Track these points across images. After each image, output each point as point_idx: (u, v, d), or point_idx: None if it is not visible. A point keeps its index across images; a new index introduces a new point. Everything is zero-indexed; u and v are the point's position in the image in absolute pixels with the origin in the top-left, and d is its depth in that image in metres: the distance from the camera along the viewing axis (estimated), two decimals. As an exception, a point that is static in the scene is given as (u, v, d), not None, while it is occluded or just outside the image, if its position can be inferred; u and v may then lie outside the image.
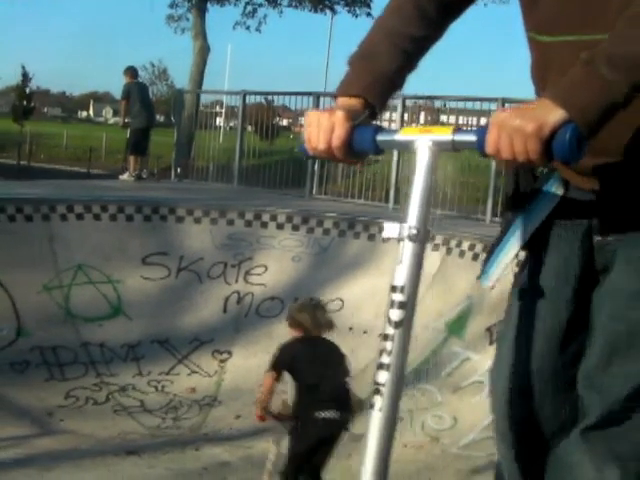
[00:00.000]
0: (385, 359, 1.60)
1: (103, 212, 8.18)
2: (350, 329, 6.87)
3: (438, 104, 12.83)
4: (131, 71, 13.05)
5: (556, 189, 1.88)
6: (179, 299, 7.56)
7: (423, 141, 1.63)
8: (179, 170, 13.59)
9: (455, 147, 1.62)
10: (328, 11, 26.86)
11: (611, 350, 1.77)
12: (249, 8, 25.32)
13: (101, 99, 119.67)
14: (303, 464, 4.05)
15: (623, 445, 1.77)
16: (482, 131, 1.56)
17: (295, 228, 8.34)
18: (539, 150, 1.49)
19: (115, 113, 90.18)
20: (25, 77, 46.82)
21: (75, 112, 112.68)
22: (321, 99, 11.68)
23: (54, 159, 35.21)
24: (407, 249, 1.59)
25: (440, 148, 1.63)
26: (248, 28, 25.85)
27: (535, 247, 1.92)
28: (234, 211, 8.54)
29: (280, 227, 8.38)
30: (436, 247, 7.52)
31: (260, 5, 25.44)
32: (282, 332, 7.17)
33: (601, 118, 1.50)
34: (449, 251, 7.45)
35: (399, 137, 1.70)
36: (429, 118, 13.30)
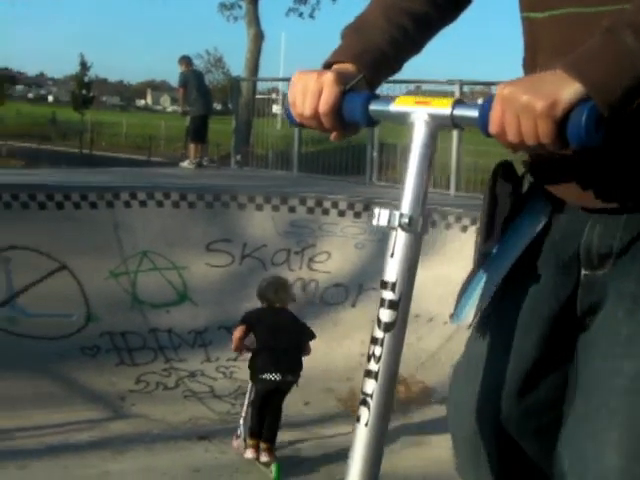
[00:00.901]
0: (373, 366, 1.39)
1: (166, 199, 8.27)
2: (416, 316, 6.84)
3: (497, 90, 12.70)
4: (186, 60, 13.16)
5: (539, 214, 1.60)
6: (244, 286, 7.58)
7: (419, 114, 1.41)
8: (238, 157, 13.67)
9: (455, 123, 1.39)
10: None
11: (608, 412, 1.41)
12: (303, -6, 25.29)
13: (158, 87, 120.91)
14: (263, 408, 4.98)
15: None
16: (486, 106, 1.32)
17: (357, 215, 8.31)
18: (551, 132, 1.25)
19: (173, 101, 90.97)
20: (83, 66, 47.59)
21: (133, 100, 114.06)
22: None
23: (115, 147, 35.68)
24: (399, 240, 1.38)
25: (438, 123, 1.41)
26: (301, 15, 25.82)
27: (509, 278, 1.61)
28: (295, 198, 8.55)
29: (342, 214, 8.37)
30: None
31: (313, -9, 25.38)
32: (347, 319, 7.25)
33: (624, 96, 1.25)
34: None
35: (393, 107, 1.45)
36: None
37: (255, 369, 5.08)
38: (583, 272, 1.56)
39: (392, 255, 1.38)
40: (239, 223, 8.28)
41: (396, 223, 1.37)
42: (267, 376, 4.97)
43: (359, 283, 7.53)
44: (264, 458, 4.90)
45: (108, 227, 7.73)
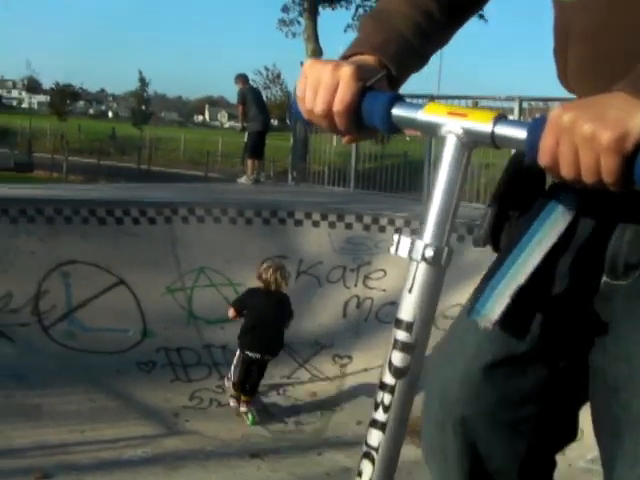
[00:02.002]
0: (380, 416, 1.20)
1: (223, 215, 8.29)
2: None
3: (558, 107, 12.53)
4: (242, 77, 13.26)
5: (565, 211, 1.36)
6: (299, 303, 7.54)
7: (451, 127, 1.17)
8: (295, 173, 13.70)
9: (496, 143, 1.14)
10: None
11: None
12: (360, 11, 25.38)
13: (216, 103, 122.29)
14: (247, 370, 6.12)
15: None
16: (536, 129, 1.09)
17: (414, 233, 8.21)
18: (617, 170, 1.02)
19: (230, 117, 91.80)
20: (143, 82, 48.37)
21: (191, 116, 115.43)
22: (436, 102, 11.56)
23: (172, 163, 36.06)
24: (420, 274, 1.17)
25: (474, 140, 1.17)
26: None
27: None
28: (352, 215, 8.52)
29: (398, 232, 8.28)
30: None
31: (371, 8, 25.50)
32: (403, 337, 7.15)
33: None
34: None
35: (421, 115, 1.21)
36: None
37: (241, 342, 6.17)
38: (604, 279, 1.37)
39: (410, 290, 1.18)
40: (295, 239, 8.27)
41: (419, 255, 1.17)
42: (249, 353, 6.08)
43: (415, 302, 7.46)
44: (243, 408, 6.11)
45: (166, 243, 7.78)
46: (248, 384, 6.14)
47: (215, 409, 6.35)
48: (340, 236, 8.29)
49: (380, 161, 13.55)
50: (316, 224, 8.40)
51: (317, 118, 1.29)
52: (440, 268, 1.18)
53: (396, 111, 1.23)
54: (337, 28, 30.19)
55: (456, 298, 7.27)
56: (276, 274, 6.28)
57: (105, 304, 7.04)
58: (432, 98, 11.49)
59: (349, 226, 8.40)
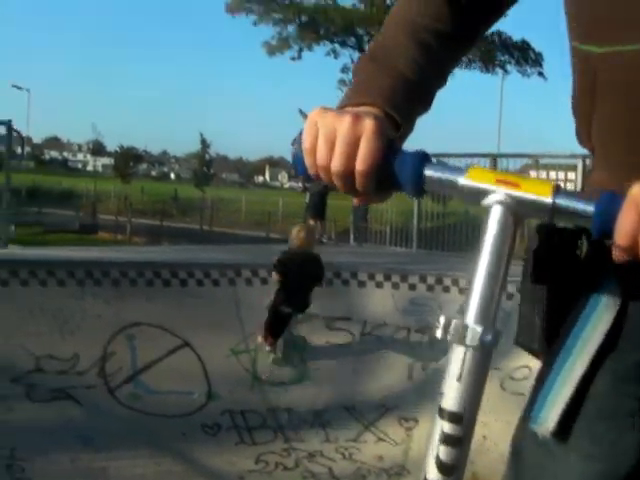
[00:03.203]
0: None
1: (286, 276, 8.29)
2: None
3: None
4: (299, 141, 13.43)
5: (615, 289, 1.18)
6: (363, 364, 7.51)
7: (500, 197, 1.04)
8: (357, 234, 13.72)
9: (555, 216, 1.03)
10: (499, 70, 26.81)
11: None
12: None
13: (276, 164, 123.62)
14: (274, 324, 7.23)
15: None
16: (609, 204, 0.98)
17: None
18: None
19: (290, 177, 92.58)
20: (204, 144, 49.25)
21: (252, 177, 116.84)
22: (497, 161, 11.50)
23: (234, 224, 36.44)
24: (469, 360, 1.04)
25: (527, 212, 1.05)
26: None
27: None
28: (415, 275, 8.46)
29: (462, 292, 8.20)
30: None
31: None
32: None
33: None
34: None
35: (464, 181, 1.07)
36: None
37: (275, 298, 7.17)
38: None
39: (459, 378, 1.05)
40: (359, 301, 8.22)
41: (475, 341, 1.03)
42: (282, 308, 7.13)
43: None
44: (267, 348, 7.29)
45: (230, 304, 7.79)
46: (276, 330, 7.22)
47: (280, 473, 6.28)
48: (404, 297, 8.23)
49: (442, 220, 13.50)
50: (379, 285, 8.36)
51: (331, 177, 1.12)
52: (488, 353, 1.06)
53: (431, 173, 1.09)
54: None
55: (522, 360, 7.20)
56: (308, 236, 7.50)
57: (170, 366, 7.06)
58: (494, 157, 11.46)
59: (413, 287, 8.33)
